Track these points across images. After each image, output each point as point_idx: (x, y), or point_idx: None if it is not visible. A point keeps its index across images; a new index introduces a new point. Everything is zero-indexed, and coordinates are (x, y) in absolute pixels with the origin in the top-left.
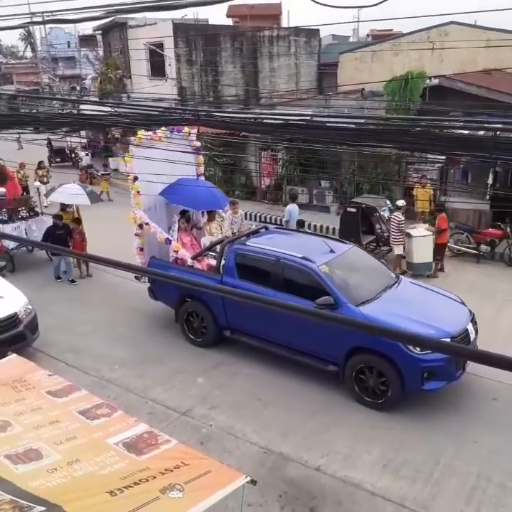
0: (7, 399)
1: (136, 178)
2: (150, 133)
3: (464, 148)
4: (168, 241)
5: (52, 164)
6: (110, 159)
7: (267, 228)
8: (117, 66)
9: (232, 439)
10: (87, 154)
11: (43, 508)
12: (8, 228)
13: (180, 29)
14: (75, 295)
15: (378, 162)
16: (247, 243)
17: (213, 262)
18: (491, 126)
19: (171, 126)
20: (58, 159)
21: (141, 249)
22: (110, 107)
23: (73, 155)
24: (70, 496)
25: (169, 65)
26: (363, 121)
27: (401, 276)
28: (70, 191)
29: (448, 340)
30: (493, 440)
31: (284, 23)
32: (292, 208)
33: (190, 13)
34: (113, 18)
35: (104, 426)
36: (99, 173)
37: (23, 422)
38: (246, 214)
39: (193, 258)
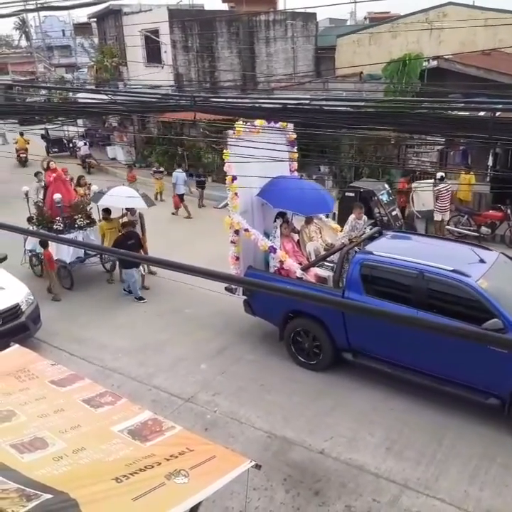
0: (11, 389)
1: (234, 178)
2: (248, 125)
3: (463, 130)
4: (273, 249)
5: (49, 154)
6: (108, 148)
7: (381, 232)
8: (113, 54)
9: (236, 425)
10: (85, 143)
11: (50, 496)
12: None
13: (175, 15)
14: (77, 286)
15: (377, 146)
16: (375, 253)
17: (322, 273)
18: (491, 106)
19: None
20: (56, 149)
21: (237, 258)
22: (106, 95)
23: (71, 145)
24: (75, 483)
25: (165, 51)
26: (361, 104)
27: None
28: (125, 193)
29: None
30: (497, 421)
31: (280, 7)
32: (178, 174)
33: None
34: (107, 4)
35: (108, 414)
36: (97, 162)
37: (28, 411)
38: None
39: (304, 269)
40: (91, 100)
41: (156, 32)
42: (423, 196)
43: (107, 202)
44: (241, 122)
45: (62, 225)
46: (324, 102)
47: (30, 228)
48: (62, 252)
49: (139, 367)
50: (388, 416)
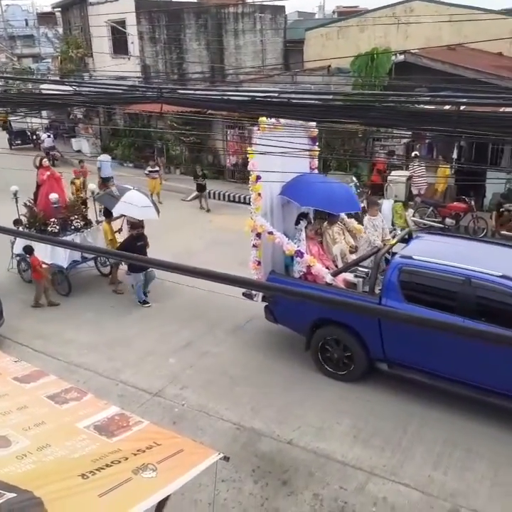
0: None
1: (258, 178)
2: (273, 120)
3: (428, 124)
4: (300, 254)
5: (12, 147)
6: (73, 140)
7: (411, 233)
8: (78, 45)
9: (205, 417)
10: (49, 136)
11: (13, 495)
12: None
13: (142, 6)
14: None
15: (345, 139)
16: (414, 257)
17: (351, 278)
18: (456, 100)
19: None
20: (19, 141)
21: (259, 263)
22: (70, 86)
23: (35, 137)
24: (40, 481)
25: (132, 42)
26: (329, 97)
27: None
28: (140, 202)
29: None
30: (460, 407)
31: (249, 0)
32: (103, 157)
33: None
34: None
35: (73, 410)
36: (61, 154)
37: None
38: (214, 193)
39: (335, 275)
40: (55, 91)
41: (122, 23)
42: (396, 188)
43: (122, 210)
44: (264, 118)
45: (58, 227)
46: (293, 95)
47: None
48: (58, 256)
49: (105, 362)
50: (355, 404)
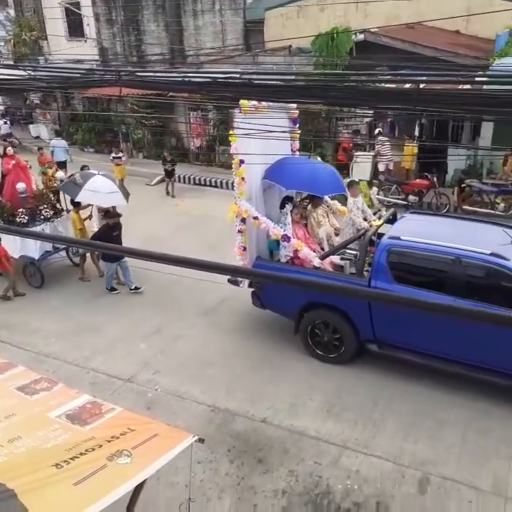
0: None
1: (242, 162)
2: (254, 103)
3: (389, 102)
4: (287, 238)
5: None
6: (31, 126)
7: (395, 213)
8: (31, 27)
9: (179, 401)
10: (5, 122)
11: None
12: None
13: None
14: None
15: (309, 119)
16: (403, 238)
17: (337, 261)
18: (415, 79)
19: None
20: None
21: (245, 249)
22: (25, 70)
23: None
24: (13, 473)
25: (88, 24)
26: (291, 77)
27: None
28: (104, 188)
29: None
30: (430, 378)
31: None
32: (55, 142)
33: None
34: None
35: (44, 400)
36: (19, 141)
37: None
38: (178, 177)
39: (323, 258)
40: (9, 76)
41: (77, 4)
42: (362, 167)
43: (86, 198)
44: (246, 101)
45: (27, 218)
46: (254, 76)
47: None
48: (29, 248)
49: (74, 350)
50: (328, 379)
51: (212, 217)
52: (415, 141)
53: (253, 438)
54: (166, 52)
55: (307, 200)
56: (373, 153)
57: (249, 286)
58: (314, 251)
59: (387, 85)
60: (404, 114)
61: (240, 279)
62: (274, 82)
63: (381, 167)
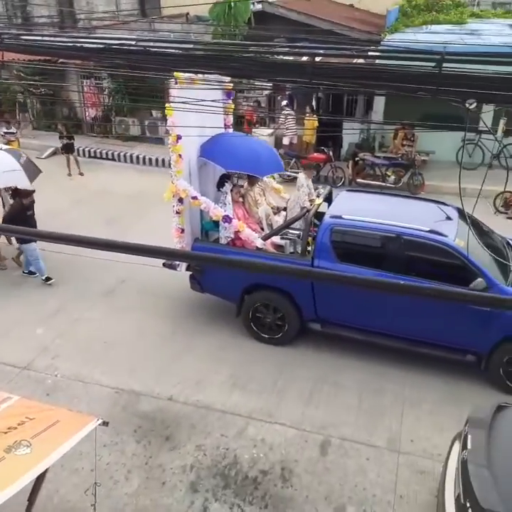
0: None
1: (179, 138)
2: (189, 74)
3: (286, 75)
4: (228, 219)
5: None
6: None
7: (331, 191)
8: None
9: (81, 385)
10: None
11: None
12: None
13: None
14: None
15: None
16: (344, 216)
17: (278, 241)
18: (312, 51)
19: None
20: None
21: (182, 231)
22: None
23: None
24: None
25: None
26: (190, 46)
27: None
28: (1, 166)
29: None
30: (330, 346)
31: None
32: None
33: None
34: None
35: None
36: None
37: None
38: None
39: (265, 239)
40: None
41: None
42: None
43: None
44: (181, 74)
45: None
46: (151, 43)
47: None
48: None
49: None
50: (234, 352)
51: (110, 191)
52: (316, 115)
53: (159, 416)
54: (54, 15)
55: (243, 179)
56: (274, 127)
57: (187, 269)
58: (254, 231)
59: (285, 57)
60: (301, 88)
61: (176, 262)
62: (172, 51)
63: (285, 141)
